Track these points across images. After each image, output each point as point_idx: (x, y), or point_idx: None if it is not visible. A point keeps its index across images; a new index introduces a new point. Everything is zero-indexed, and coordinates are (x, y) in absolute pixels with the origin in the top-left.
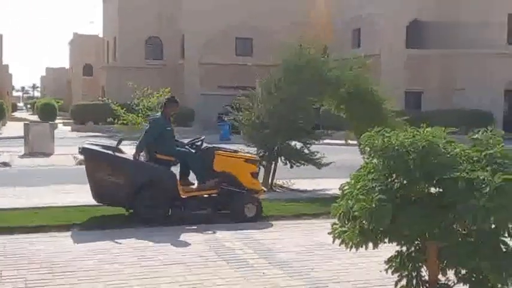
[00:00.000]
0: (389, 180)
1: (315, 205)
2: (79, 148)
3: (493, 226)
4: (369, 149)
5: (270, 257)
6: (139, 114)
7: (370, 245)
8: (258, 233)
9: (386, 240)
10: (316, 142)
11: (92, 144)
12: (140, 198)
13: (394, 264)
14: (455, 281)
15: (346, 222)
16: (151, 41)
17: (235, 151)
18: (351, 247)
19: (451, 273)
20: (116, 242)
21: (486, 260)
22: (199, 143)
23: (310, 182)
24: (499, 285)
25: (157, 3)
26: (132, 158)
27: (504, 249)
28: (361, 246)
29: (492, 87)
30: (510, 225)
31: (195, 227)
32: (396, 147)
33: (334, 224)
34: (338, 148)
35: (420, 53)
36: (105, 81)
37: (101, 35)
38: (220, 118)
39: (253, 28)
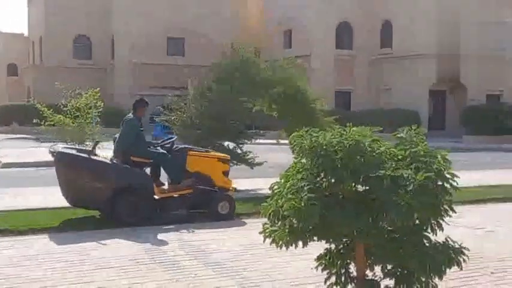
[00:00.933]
0: (318, 179)
1: (248, 205)
2: (50, 152)
3: (417, 222)
4: (297, 148)
5: (203, 258)
6: (67, 116)
7: (301, 243)
8: (191, 235)
9: (315, 238)
10: (248, 142)
11: (67, 148)
12: (121, 202)
13: (323, 261)
14: (382, 276)
15: (276, 221)
16: (80, 40)
17: (207, 151)
18: (281, 246)
19: (378, 269)
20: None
21: (410, 255)
22: (169, 144)
23: (243, 182)
24: (423, 279)
25: (86, 2)
26: (110, 162)
27: (427, 244)
28: (291, 245)
29: (418, 87)
30: (433, 221)
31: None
32: (324, 147)
33: (265, 223)
34: (271, 147)
35: (349, 53)
36: (31, 82)
37: (26, 34)
38: (152, 119)
39: (185, 28)
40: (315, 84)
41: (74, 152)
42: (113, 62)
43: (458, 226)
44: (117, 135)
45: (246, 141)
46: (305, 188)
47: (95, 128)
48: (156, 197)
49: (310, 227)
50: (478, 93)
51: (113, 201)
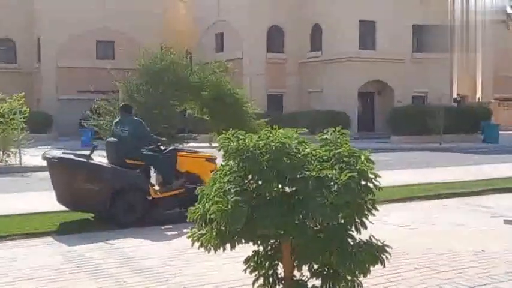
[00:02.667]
0: (245, 181)
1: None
2: (45, 157)
3: (342, 221)
4: (224, 151)
5: (133, 264)
6: None
7: (229, 246)
8: (120, 242)
9: (243, 240)
10: (180, 146)
11: (65, 153)
12: (118, 204)
13: (251, 264)
14: (309, 276)
15: (204, 225)
16: (3, 43)
17: (195, 151)
18: (209, 250)
19: (306, 269)
20: None
21: (335, 254)
22: (160, 146)
23: None
24: (349, 277)
25: (9, 3)
26: (108, 165)
27: (351, 243)
28: (219, 248)
29: (347, 89)
30: (357, 220)
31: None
32: (250, 149)
33: (193, 227)
34: (203, 151)
35: (280, 57)
36: None
37: None
38: (81, 124)
39: (115, 31)
40: (247, 87)
41: (73, 156)
42: (39, 66)
43: (385, 224)
44: (110, 139)
45: (178, 145)
46: (232, 191)
47: (21, 134)
48: (149, 197)
49: (238, 230)
50: (404, 95)
51: (110, 203)
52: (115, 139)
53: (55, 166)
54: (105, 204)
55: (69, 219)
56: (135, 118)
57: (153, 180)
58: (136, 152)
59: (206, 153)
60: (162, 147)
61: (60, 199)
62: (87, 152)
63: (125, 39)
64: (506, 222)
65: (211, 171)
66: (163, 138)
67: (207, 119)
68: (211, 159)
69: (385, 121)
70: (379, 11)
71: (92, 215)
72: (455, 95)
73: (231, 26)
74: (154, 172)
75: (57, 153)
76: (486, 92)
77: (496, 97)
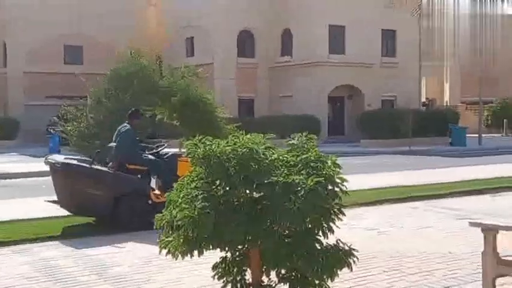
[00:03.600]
0: (213, 187)
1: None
2: (48, 162)
3: (309, 226)
4: (191, 157)
5: (103, 272)
6: None
7: (196, 253)
8: (90, 249)
9: (211, 247)
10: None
11: (68, 158)
12: (121, 208)
13: (219, 270)
14: (277, 282)
15: (171, 232)
16: None
17: None
18: (177, 257)
19: (274, 274)
20: None
21: (303, 259)
22: (160, 151)
23: None
24: (316, 282)
25: None
26: (110, 171)
27: (319, 247)
28: (187, 255)
29: (317, 94)
30: (324, 225)
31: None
32: (218, 155)
33: (161, 234)
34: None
35: (251, 61)
36: None
37: None
38: (48, 130)
39: (83, 35)
40: (218, 92)
41: (76, 162)
42: (6, 71)
43: (354, 227)
44: (112, 145)
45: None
46: (199, 197)
47: None
48: (150, 201)
49: (205, 236)
50: (374, 99)
51: (113, 208)
52: (112, 145)
53: (58, 171)
54: (108, 209)
55: (40, 228)
56: (125, 127)
57: (152, 184)
58: (137, 157)
59: None
60: (163, 152)
61: (63, 204)
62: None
63: (93, 44)
64: (472, 224)
65: None
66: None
67: (177, 124)
68: None
69: (355, 125)
70: (349, 15)
71: (93, 218)
72: (423, 99)
73: (202, 30)
74: (153, 177)
75: (60, 158)
76: (453, 95)
77: (463, 100)
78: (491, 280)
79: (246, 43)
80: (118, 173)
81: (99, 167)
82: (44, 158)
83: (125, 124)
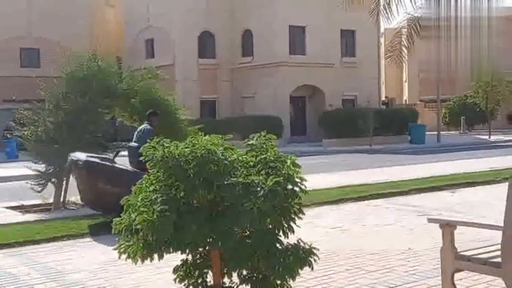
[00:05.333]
0: (172, 190)
1: (109, 220)
2: (74, 161)
3: (269, 226)
4: (150, 160)
5: (61, 279)
6: None
7: (156, 256)
8: (45, 256)
9: (171, 250)
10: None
11: (89, 156)
12: None
13: (180, 273)
14: (238, 283)
15: (130, 236)
16: None
17: None
18: (136, 261)
19: (235, 276)
20: None
21: (264, 259)
22: None
23: None
24: (278, 282)
25: None
26: (130, 169)
27: (279, 247)
28: (147, 259)
29: (279, 94)
30: (285, 224)
31: None
32: (176, 157)
33: (120, 238)
34: None
35: (212, 62)
36: None
37: None
38: (5, 135)
39: (40, 38)
40: (179, 94)
41: (97, 160)
42: None
43: (317, 226)
44: (132, 144)
45: (108, 154)
46: (158, 200)
47: None
48: None
49: (165, 239)
50: (335, 99)
51: None
52: (136, 144)
53: (80, 168)
54: None
55: None
56: (146, 127)
57: None
58: None
59: None
60: None
61: (84, 199)
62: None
63: (50, 47)
64: (430, 220)
65: None
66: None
67: (137, 126)
68: None
69: (317, 125)
70: (309, 16)
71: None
72: (383, 98)
73: (162, 31)
74: None
75: (82, 156)
76: (412, 94)
77: (422, 99)
78: (449, 275)
79: (207, 44)
80: (136, 172)
81: (119, 165)
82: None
83: (146, 124)
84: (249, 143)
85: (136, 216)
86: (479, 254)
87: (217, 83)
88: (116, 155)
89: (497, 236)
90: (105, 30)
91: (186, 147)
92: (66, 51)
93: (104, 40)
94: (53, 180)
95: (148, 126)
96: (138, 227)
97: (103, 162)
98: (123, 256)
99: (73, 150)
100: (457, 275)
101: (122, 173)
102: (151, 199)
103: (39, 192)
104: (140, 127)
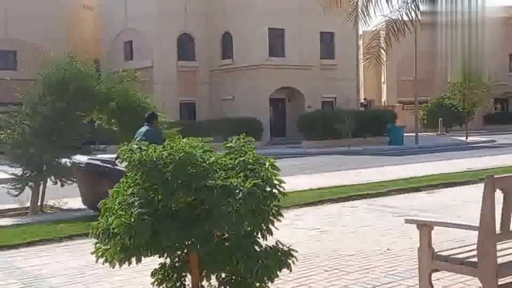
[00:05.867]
0: (150, 193)
1: (87, 224)
2: (73, 163)
3: (248, 229)
4: (127, 163)
5: (37, 284)
6: None
7: (134, 260)
8: (22, 261)
9: (149, 253)
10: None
11: (91, 159)
12: None
13: (159, 276)
14: (217, 286)
15: (107, 240)
16: None
17: None
18: (114, 265)
19: (214, 279)
20: None
21: (242, 262)
22: None
23: None
24: (257, 284)
25: None
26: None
27: (258, 250)
28: (124, 263)
29: (258, 96)
30: (263, 227)
31: None
32: (154, 160)
33: (97, 242)
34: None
35: (191, 65)
36: None
37: None
38: None
39: (16, 41)
40: (158, 96)
41: (99, 162)
42: None
43: (296, 228)
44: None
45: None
46: (136, 203)
47: None
48: None
49: (143, 243)
50: (314, 100)
51: None
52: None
53: (82, 171)
54: None
55: None
56: (146, 129)
57: None
58: None
59: None
60: None
61: (85, 201)
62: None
63: (28, 49)
64: (407, 221)
65: None
66: None
67: (116, 129)
68: None
69: (296, 126)
70: (288, 19)
71: None
72: (362, 99)
73: (140, 34)
74: None
75: (84, 159)
76: (391, 95)
77: (400, 100)
78: (427, 275)
79: (186, 46)
80: None
81: (120, 167)
82: None
83: (145, 126)
84: (228, 145)
85: (113, 220)
86: (456, 254)
87: (197, 85)
88: (117, 158)
89: (474, 236)
90: (83, 33)
91: (164, 150)
92: (43, 53)
93: (82, 42)
94: (30, 184)
95: (148, 128)
96: (116, 230)
97: (104, 165)
98: (101, 260)
99: (51, 154)
100: (434, 275)
101: (123, 175)
102: (129, 202)
103: (16, 196)
104: (142, 129)
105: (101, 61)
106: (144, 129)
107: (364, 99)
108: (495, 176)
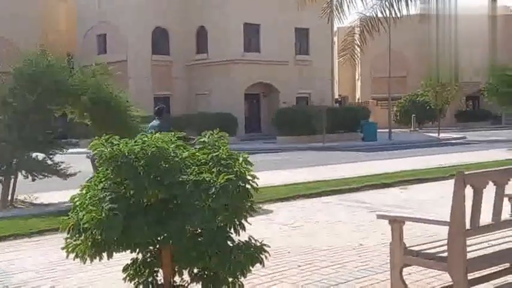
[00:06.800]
0: (121, 188)
1: (58, 219)
2: (89, 157)
3: (221, 224)
4: (98, 157)
5: (6, 279)
6: None
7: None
8: None
9: (121, 249)
10: (60, 152)
11: None
12: None
13: (130, 272)
14: (189, 281)
15: (78, 235)
16: None
17: None
18: (85, 260)
19: (187, 274)
20: None
21: (215, 257)
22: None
23: (57, 195)
24: (230, 279)
25: None
26: None
27: (231, 245)
28: (95, 258)
29: (233, 91)
30: (236, 222)
31: None
32: (126, 154)
33: (67, 237)
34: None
35: (166, 59)
36: None
37: None
38: None
39: None
40: (132, 90)
41: None
42: None
43: (269, 223)
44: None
45: (57, 151)
46: (107, 198)
47: None
48: None
49: (114, 238)
50: (289, 96)
51: None
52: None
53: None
54: None
55: None
56: (157, 123)
57: None
58: None
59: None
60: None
61: None
62: None
63: (0, 42)
64: (379, 216)
65: None
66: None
67: (89, 123)
68: None
69: (271, 122)
70: (263, 14)
71: None
72: (336, 96)
73: (114, 27)
74: None
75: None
76: (365, 92)
77: (374, 97)
78: (398, 270)
79: (160, 40)
80: None
81: None
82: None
83: (156, 120)
84: (201, 140)
85: (84, 215)
86: (427, 249)
87: (172, 79)
88: None
89: (445, 231)
90: (56, 26)
91: (136, 145)
92: (16, 46)
93: (55, 36)
94: (0, 178)
95: (158, 122)
96: (86, 225)
97: None
98: (71, 255)
99: (22, 148)
100: (405, 270)
101: None
102: (100, 197)
103: None
104: (154, 123)
105: (74, 54)
106: (155, 122)
107: (339, 95)
108: (465, 173)
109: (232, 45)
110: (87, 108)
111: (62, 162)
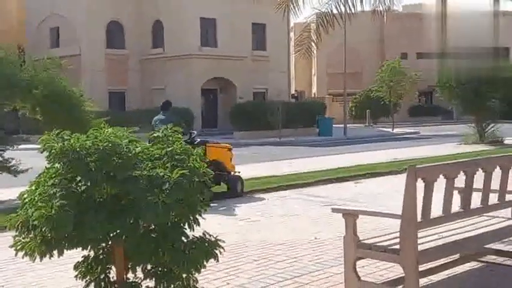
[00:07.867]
0: (73, 184)
1: (7, 217)
2: None
3: (175, 220)
4: (48, 153)
5: None
6: None
7: (56, 253)
8: None
9: (71, 246)
10: (11, 148)
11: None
12: None
13: (82, 269)
14: (143, 278)
15: (27, 232)
16: None
17: (217, 142)
18: (35, 258)
19: (140, 270)
20: None
21: (168, 253)
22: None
23: (7, 192)
24: (184, 275)
25: None
26: None
27: (185, 240)
28: (45, 256)
29: (190, 86)
30: (191, 217)
31: None
32: (77, 150)
33: (16, 235)
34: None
35: (121, 53)
36: None
37: None
38: None
39: None
40: (86, 85)
41: None
42: None
43: (225, 218)
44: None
45: (7, 147)
46: (57, 195)
47: None
48: None
49: (65, 235)
50: (246, 92)
51: None
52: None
53: None
54: None
55: None
56: (163, 117)
57: None
58: None
59: (227, 144)
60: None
61: None
62: None
63: None
64: (334, 210)
65: (230, 159)
66: None
67: (40, 119)
68: (230, 149)
69: (228, 117)
70: (220, 8)
71: None
72: (293, 91)
73: (67, 20)
74: None
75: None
76: (321, 88)
77: (330, 92)
78: (352, 263)
79: (115, 34)
80: None
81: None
82: None
83: (161, 114)
84: (155, 135)
85: (33, 212)
86: (380, 242)
87: (127, 74)
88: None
89: (397, 224)
90: (6, 18)
91: (87, 140)
92: None
93: (4, 28)
94: None
95: (165, 116)
96: (36, 222)
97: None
98: (20, 253)
99: None
100: (359, 263)
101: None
102: (50, 194)
103: None
104: (159, 117)
105: (25, 48)
106: (162, 116)
107: (295, 91)
108: (417, 166)
109: (188, 40)
110: (38, 103)
111: (12, 159)
